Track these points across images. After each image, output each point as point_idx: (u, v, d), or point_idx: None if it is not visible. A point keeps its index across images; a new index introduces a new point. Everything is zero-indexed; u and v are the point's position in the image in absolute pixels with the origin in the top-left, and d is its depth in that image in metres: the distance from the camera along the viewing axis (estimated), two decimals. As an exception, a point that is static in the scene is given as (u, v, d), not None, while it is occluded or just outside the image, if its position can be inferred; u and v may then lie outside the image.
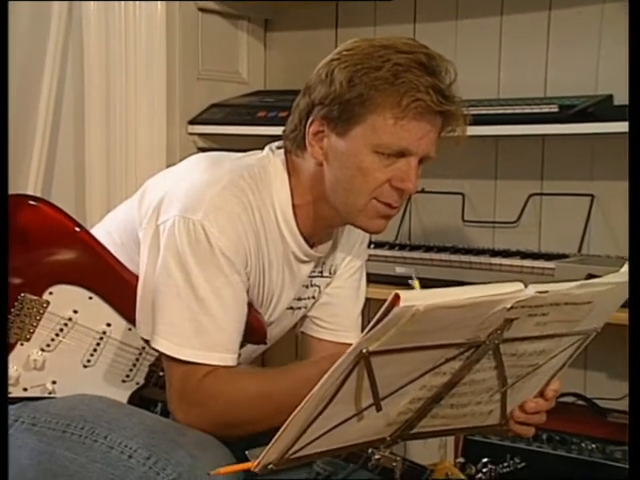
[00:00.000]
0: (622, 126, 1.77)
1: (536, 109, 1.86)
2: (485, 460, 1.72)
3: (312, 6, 2.25)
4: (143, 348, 1.33)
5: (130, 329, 1.33)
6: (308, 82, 1.28)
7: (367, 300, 1.88)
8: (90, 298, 1.32)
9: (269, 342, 1.41)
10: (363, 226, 1.31)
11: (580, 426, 1.80)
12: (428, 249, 1.96)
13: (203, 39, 2.29)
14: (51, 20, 2.32)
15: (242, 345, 1.32)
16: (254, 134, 2.08)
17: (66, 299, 1.32)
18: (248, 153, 1.36)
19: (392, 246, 2.01)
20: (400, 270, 1.91)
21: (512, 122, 1.88)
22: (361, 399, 0.98)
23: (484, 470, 1.51)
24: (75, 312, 1.32)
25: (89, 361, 1.33)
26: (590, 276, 1.67)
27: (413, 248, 1.98)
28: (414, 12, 2.22)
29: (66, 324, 1.32)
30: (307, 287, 1.41)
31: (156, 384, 1.34)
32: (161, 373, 1.33)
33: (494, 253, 1.90)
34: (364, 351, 0.91)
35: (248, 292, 1.29)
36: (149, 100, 2.21)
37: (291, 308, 1.41)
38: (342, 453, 1.31)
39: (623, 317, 1.56)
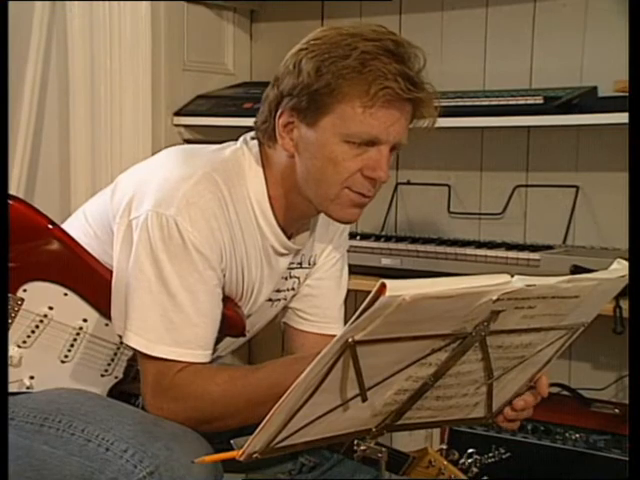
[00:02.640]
0: (606, 117, 1.78)
1: (521, 100, 1.86)
2: (470, 450, 1.73)
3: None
4: (121, 343, 1.32)
5: (107, 324, 1.32)
6: (277, 73, 1.27)
7: (353, 292, 1.87)
8: (65, 294, 1.31)
9: (248, 335, 1.40)
10: (336, 216, 1.29)
11: (564, 416, 1.81)
12: (414, 240, 1.96)
13: (189, 30, 2.28)
14: (34, 12, 2.30)
15: (221, 339, 1.32)
16: (240, 125, 2.06)
17: (41, 296, 1.30)
18: (222, 145, 1.35)
19: (378, 237, 2.01)
20: (386, 261, 1.91)
21: (497, 114, 1.88)
22: (347, 389, 0.98)
23: (469, 460, 1.52)
24: (50, 308, 1.31)
25: (66, 356, 1.33)
26: (575, 267, 1.68)
27: (399, 240, 1.98)
28: (400, 3, 2.22)
29: (42, 321, 1.31)
30: (286, 279, 1.40)
31: (135, 378, 1.33)
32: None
33: (480, 244, 1.90)
34: (350, 340, 0.91)
35: (225, 288, 1.29)
36: (134, 91, 2.19)
37: (270, 300, 1.40)
38: (328, 443, 1.32)
39: (608, 308, 1.58)
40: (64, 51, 2.27)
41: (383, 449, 1.23)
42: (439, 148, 2.19)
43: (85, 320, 1.33)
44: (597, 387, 1.97)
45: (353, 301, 2.18)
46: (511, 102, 1.87)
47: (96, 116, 2.23)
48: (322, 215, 1.37)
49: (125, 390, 1.36)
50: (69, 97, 2.26)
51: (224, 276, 1.28)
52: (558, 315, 1.03)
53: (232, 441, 1.08)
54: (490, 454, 1.81)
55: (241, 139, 1.34)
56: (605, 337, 1.63)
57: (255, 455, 0.97)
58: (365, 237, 2.01)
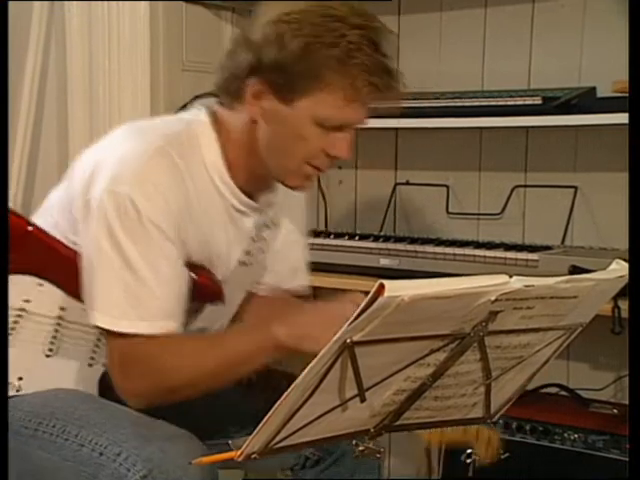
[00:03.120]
0: (605, 118, 1.78)
1: (520, 101, 1.86)
2: (469, 451, 1.73)
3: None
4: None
5: (83, 309, 1.30)
6: (249, 34, 1.25)
7: (352, 292, 1.86)
8: (40, 285, 1.31)
9: (228, 303, 1.40)
10: (290, 184, 1.32)
11: (563, 416, 1.81)
12: (412, 241, 1.96)
13: (187, 30, 2.28)
14: (33, 12, 2.30)
15: (201, 308, 1.33)
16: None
17: (15, 289, 1.29)
18: (176, 117, 1.37)
19: (376, 238, 2.01)
20: (384, 262, 1.91)
21: (496, 114, 1.88)
22: (345, 389, 0.98)
23: (468, 461, 1.52)
24: (27, 301, 1.31)
25: (51, 350, 1.32)
26: (574, 267, 1.68)
27: (397, 240, 1.98)
28: (399, 4, 2.22)
29: (20, 315, 1.31)
30: (254, 240, 1.41)
31: None
32: None
33: (478, 245, 1.90)
34: (348, 341, 0.91)
35: (193, 256, 1.29)
36: (133, 92, 2.19)
37: (244, 264, 1.40)
38: (326, 444, 1.32)
39: (606, 308, 1.57)
40: (63, 51, 2.27)
41: (382, 449, 1.23)
42: (438, 148, 2.19)
43: (63, 308, 1.32)
44: (595, 387, 1.97)
45: (352, 301, 2.19)
46: (510, 102, 1.87)
47: (94, 116, 2.22)
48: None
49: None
50: (67, 97, 2.26)
51: (187, 246, 1.28)
52: (556, 315, 1.03)
53: (230, 442, 1.08)
54: (488, 454, 1.80)
55: (195, 105, 1.36)
56: (603, 337, 1.63)
57: (253, 456, 0.97)
58: (363, 237, 2.00)
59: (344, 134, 1.26)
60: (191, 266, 1.30)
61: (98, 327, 1.25)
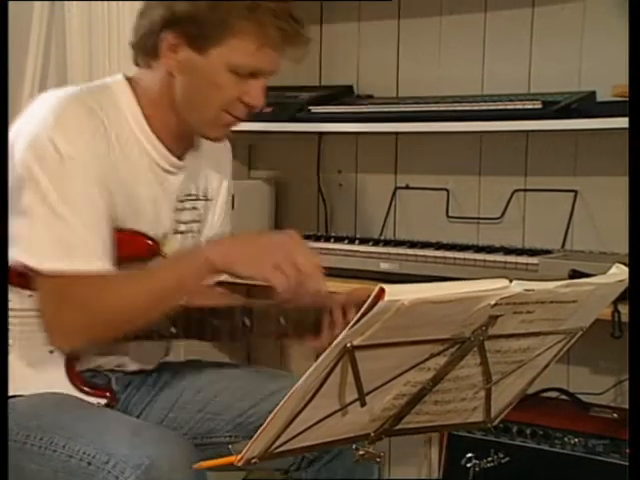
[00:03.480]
0: (605, 122, 1.78)
1: (520, 105, 1.86)
2: (469, 455, 1.73)
3: (296, 2, 2.24)
4: None
5: (30, 295, 1.30)
6: None
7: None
8: None
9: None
10: (209, 135, 1.38)
11: (563, 421, 1.81)
12: (412, 245, 1.96)
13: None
14: (33, 11, 2.30)
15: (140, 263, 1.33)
16: (238, 130, 2.07)
17: None
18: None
19: (376, 242, 2.01)
20: (385, 266, 1.91)
21: (496, 118, 1.88)
22: (345, 394, 0.98)
23: (468, 465, 1.52)
24: None
25: (9, 344, 1.30)
26: (574, 272, 1.68)
27: (397, 244, 1.98)
28: (398, 8, 2.22)
29: None
30: (187, 209, 1.43)
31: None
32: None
33: (478, 249, 1.90)
34: (348, 345, 0.91)
35: (119, 208, 1.30)
36: None
37: (180, 232, 1.42)
38: (326, 448, 1.32)
39: (606, 312, 1.57)
40: (63, 51, 2.27)
41: (382, 454, 1.23)
42: (438, 152, 2.19)
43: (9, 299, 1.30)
44: (596, 391, 1.97)
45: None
46: (509, 107, 1.87)
47: None
48: (208, 147, 1.45)
49: (85, 368, 1.36)
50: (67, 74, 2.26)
51: (112, 195, 1.29)
52: (556, 320, 1.03)
53: (230, 446, 1.08)
54: (489, 458, 1.81)
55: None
56: (603, 341, 1.63)
57: (254, 460, 0.97)
58: (363, 241, 2.00)
59: (258, 81, 1.32)
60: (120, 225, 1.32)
61: (27, 268, 1.24)
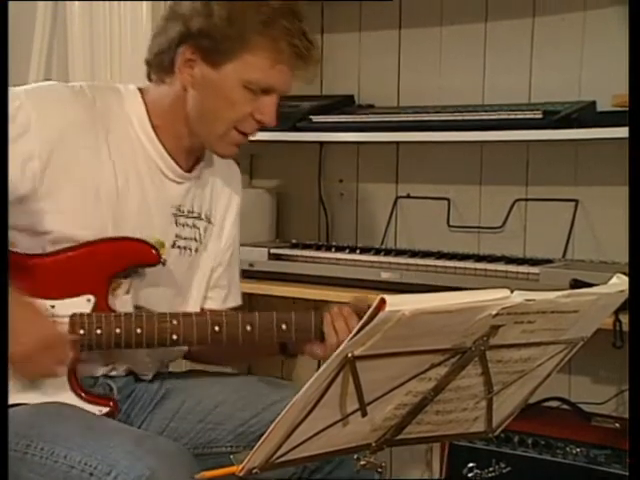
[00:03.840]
0: (605, 132, 1.79)
1: (520, 115, 1.87)
2: (471, 465, 1.72)
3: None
4: (52, 315, 1.30)
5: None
6: (177, 8, 1.34)
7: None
8: None
9: (168, 285, 1.40)
10: (219, 151, 1.40)
11: (565, 430, 1.80)
12: (413, 254, 1.96)
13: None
14: (37, 12, 2.31)
15: (136, 273, 1.35)
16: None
17: None
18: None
19: (378, 251, 2.01)
20: (385, 275, 1.91)
21: (497, 128, 1.89)
22: (346, 404, 0.98)
23: (470, 475, 1.51)
24: None
25: None
26: (575, 281, 1.68)
27: (398, 253, 1.98)
28: (399, 18, 2.23)
29: None
30: (188, 226, 1.44)
31: (82, 347, 1.30)
32: (81, 332, 1.30)
33: (479, 258, 1.90)
34: (349, 355, 0.91)
35: (101, 190, 1.31)
36: None
37: (178, 247, 1.42)
38: (327, 458, 1.31)
39: (608, 322, 1.57)
40: (64, 51, 2.27)
41: (383, 464, 1.23)
42: (439, 162, 2.20)
43: None
44: (597, 401, 1.96)
45: (353, 315, 2.19)
46: (510, 116, 1.88)
47: None
48: (217, 170, 1.47)
49: (87, 375, 1.36)
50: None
51: (64, 177, 1.28)
52: (558, 330, 1.03)
53: (232, 456, 1.08)
54: (490, 468, 1.80)
55: None
56: (605, 351, 1.63)
57: (255, 470, 0.97)
58: (364, 251, 2.01)
59: (271, 98, 1.34)
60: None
61: None
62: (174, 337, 1.32)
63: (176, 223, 1.42)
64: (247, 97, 1.33)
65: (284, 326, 1.34)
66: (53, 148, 1.28)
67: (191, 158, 1.42)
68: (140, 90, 1.40)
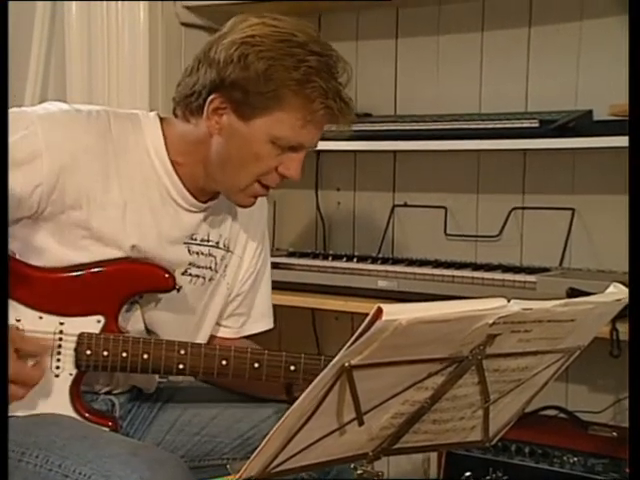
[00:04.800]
0: (602, 141, 1.79)
1: (517, 124, 1.87)
2: (468, 474, 1.72)
3: (294, 19, 2.26)
4: (60, 332, 1.29)
5: (41, 317, 1.29)
6: (212, 54, 1.30)
7: (349, 314, 1.87)
8: None
9: (181, 312, 1.39)
10: (238, 201, 1.37)
11: (562, 439, 1.80)
12: (410, 263, 1.96)
13: (186, 54, 2.29)
14: (34, 21, 2.31)
15: (154, 297, 1.33)
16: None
17: None
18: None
19: (375, 260, 2.01)
20: (382, 284, 1.91)
21: (494, 137, 1.89)
22: (343, 413, 0.97)
23: (467, 484, 1.51)
24: None
25: None
26: (572, 290, 1.68)
27: (395, 262, 1.98)
28: (396, 27, 2.24)
29: None
30: (203, 254, 1.41)
31: (88, 367, 1.30)
32: (88, 352, 1.29)
33: (476, 267, 1.90)
34: (346, 365, 0.91)
35: (109, 216, 1.29)
36: (131, 93, 2.18)
37: (189, 275, 1.39)
38: (324, 468, 1.31)
39: (605, 331, 1.58)
40: (62, 50, 2.28)
41: (380, 473, 1.23)
42: (436, 170, 2.20)
43: (18, 320, 1.28)
44: (594, 410, 1.96)
45: (350, 323, 2.19)
46: (507, 125, 1.88)
47: (94, 101, 2.23)
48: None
49: (89, 390, 1.35)
50: (66, 97, 2.26)
51: (70, 196, 1.27)
52: (554, 339, 1.03)
53: (228, 466, 1.08)
54: (487, 477, 1.80)
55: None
56: (602, 360, 1.63)
57: (251, 480, 0.97)
58: (361, 259, 2.01)
59: (297, 154, 1.31)
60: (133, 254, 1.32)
61: None
62: (180, 366, 1.31)
63: (189, 251, 1.39)
64: (274, 152, 1.30)
65: (292, 367, 1.32)
66: (61, 173, 1.26)
67: (210, 194, 1.39)
68: (161, 119, 1.36)
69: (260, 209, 1.49)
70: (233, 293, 1.48)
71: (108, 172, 1.30)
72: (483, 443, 1.14)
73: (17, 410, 1.28)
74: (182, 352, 1.30)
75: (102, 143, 1.30)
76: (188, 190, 1.36)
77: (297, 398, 1.36)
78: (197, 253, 1.40)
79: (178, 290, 1.37)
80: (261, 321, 1.52)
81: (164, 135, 1.35)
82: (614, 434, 1.82)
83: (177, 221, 1.36)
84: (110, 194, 1.30)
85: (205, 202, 1.39)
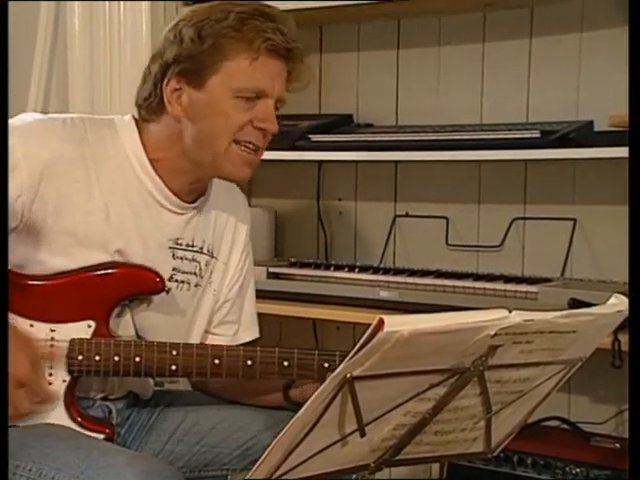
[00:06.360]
0: (603, 152, 1.79)
1: (518, 134, 1.87)
2: (470, 485, 1.71)
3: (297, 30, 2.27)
4: (52, 339, 1.30)
5: (32, 325, 1.29)
6: (155, 50, 1.35)
7: (351, 324, 1.86)
8: None
9: (167, 318, 1.39)
10: (228, 172, 1.35)
11: (564, 450, 1.80)
12: (412, 273, 1.96)
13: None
14: (39, 21, 2.32)
15: (144, 300, 1.34)
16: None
17: None
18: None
19: (376, 270, 2.01)
20: (384, 294, 1.91)
21: (495, 147, 1.89)
22: (345, 424, 0.97)
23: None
24: None
25: None
26: (573, 300, 1.68)
27: (397, 272, 1.98)
28: (397, 38, 2.24)
29: None
30: (187, 260, 1.41)
31: (80, 373, 1.30)
32: (80, 357, 1.29)
33: (478, 277, 1.90)
34: (348, 376, 0.91)
35: (93, 220, 1.30)
36: (133, 93, 2.20)
37: (175, 281, 1.39)
38: (326, 479, 1.31)
39: (606, 342, 1.57)
40: (64, 52, 2.29)
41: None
42: (437, 181, 2.21)
43: None
44: (597, 421, 1.96)
45: (352, 334, 2.19)
46: (508, 136, 1.89)
47: (95, 111, 2.23)
48: (222, 202, 1.43)
49: (82, 396, 1.34)
50: (68, 97, 2.28)
51: (50, 205, 1.28)
52: (556, 350, 1.03)
53: (229, 477, 1.07)
54: (489, 488, 1.79)
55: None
56: (604, 371, 1.63)
57: (253, 491, 0.97)
58: (363, 269, 2.01)
59: (264, 102, 1.32)
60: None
61: None
62: (173, 368, 1.31)
63: (173, 256, 1.39)
64: (240, 106, 1.31)
65: (286, 363, 1.32)
66: (40, 182, 1.27)
67: (194, 193, 1.40)
68: (136, 121, 1.38)
69: (242, 210, 1.50)
70: (220, 299, 1.48)
71: (88, 178, 1.31)
72: (485, 454, 1.14)
73: (11, 423, 1.27)
74: (174, 353, 1.30)
75: (79, 150, 1.31)
76: (171, 190, 1.36)
77: (297, 403, 1.38)
78: (181, 258, 1.40)
79: (168, 292, 1.37)
80: (250, 329, 1.52)
81: (141, 137, 1.36)
82: (617, 445, 1.82)
83: (160, 223, 1.37)
84: (92, 200, 1.31)
85: (189, 202, 1.39)
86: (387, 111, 2.25)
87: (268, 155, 2.13)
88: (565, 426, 1.95)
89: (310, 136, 2.10)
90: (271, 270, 2.04)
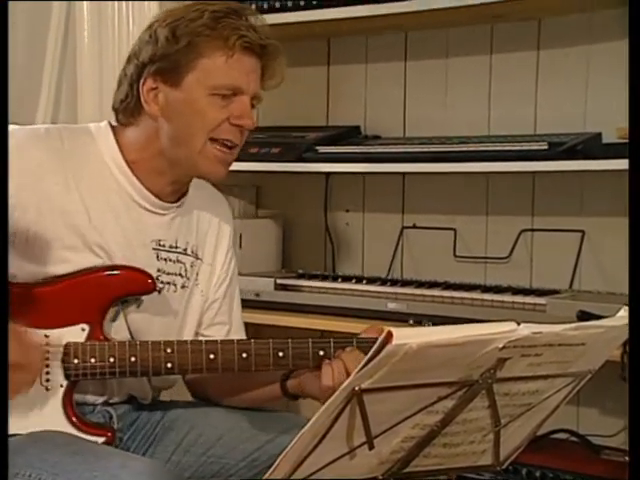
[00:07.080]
0: (611, 164, 1.79)
1: (526, 146, 1.87)
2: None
3: (304, 42, 2.28)
4: (47, 344, 1.29)
5: (25, 332, 1.27)
6: (131, 51, 1.37)
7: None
8: None
9: (153, 321, 1.39)
10: (205, 170, 1.36)
11: (573, 463, 1.79)
12: (420, 285, 1.96)
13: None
14: (50, 21, 2.34)
15: (135, 301, 1.34)
16: (246, 170, 2.09)
17: None
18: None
19: (384, 282, 2.01)
20: (392, 306, 1.91)
21: (502, 159, 1.89)
22: (353, 437, 0.97)
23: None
24: None
25: None
26: (582, 312, 1.67)
27: (405, 284, 1.98)
28: (405, 49, 2.25)
29: None
30: (171, 261, 1.42)
31: (77, 376, 1.30)
32: (75, 361, 1.29)
33: (486, 289, 1.90)
34: (356, 389, 0.91)
35: (80, 225, 1.31)
36: None
37: (161, 282, 1.39)
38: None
39: (616, 354, 1.57)
40: (74, 52, 2.31)
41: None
42: (445, 192, 2.21)
43: None
44: (606, 434, 1.95)
45: (359, 345, 2.18)
46: (516, 147, 1.89)
47: (105, 116, 2.24)
48: (202, 203, 1.45)
49: (82, 401, 1.35)
50: (77, 98, 2.29)
51: (35, 214, 1.29)
52: (565, 362, 1.03)
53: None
54: (498, 501, 1.78)
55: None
56: (613, 383, 1.62)
57: (261, 504, 0.97)
58: (371, 281, 2.01)
59: (241, 102, 1.33)
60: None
61: None
62: (168, 365, 1.31)
63: (157, 257, 1.40)
64: (217, 104, 1.32)
65: (281, 354, 1.32)
66: (19, 192, 1.28)
67: (175, 194, 1.41)
68: (112, 127, 1.39)
69: (223, 210, 1.51)
70: (209, 300, 1.48)
71: (67, 185, 1.32)
72: (494, 467, 1.13)
73: (11, 428, 1.27)
74: (168, 350, 1.31)
75: (55, 158, 1.32)
76: (151, 191, 1.38)
77: (295, 396, 1.39)
78: (165, 259, 1.41)
79: (159, 291, 1.38)
80: (238, 333, 1.52)
81: (117, 141, 1.37)
82: (626, 458, 1.80)
83: (141, 224, 1.38)
84: (73, 205, 1.32)
85: (171, 202, 1.40)
86: (395, 123, 2.25)
87: (276, 167, 2.14)
88: (574, 439, 1.94)
89: (318, 148, 2.10)
90: (279, 282, 2.04)
